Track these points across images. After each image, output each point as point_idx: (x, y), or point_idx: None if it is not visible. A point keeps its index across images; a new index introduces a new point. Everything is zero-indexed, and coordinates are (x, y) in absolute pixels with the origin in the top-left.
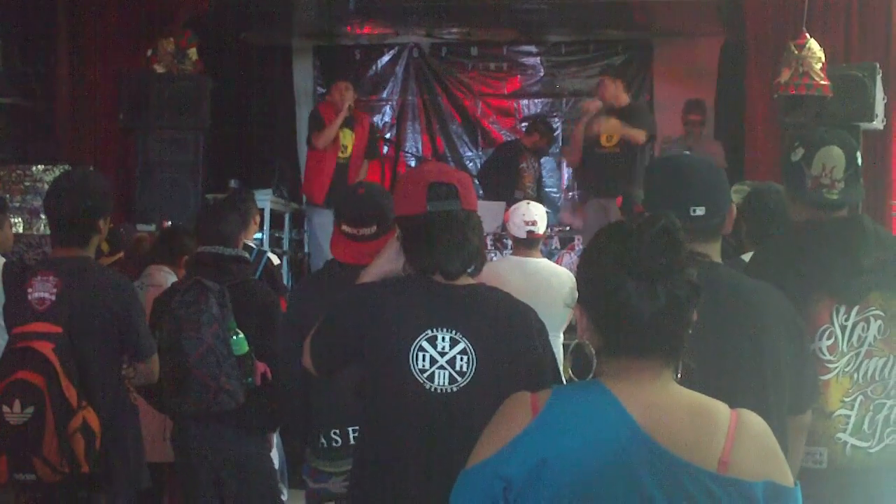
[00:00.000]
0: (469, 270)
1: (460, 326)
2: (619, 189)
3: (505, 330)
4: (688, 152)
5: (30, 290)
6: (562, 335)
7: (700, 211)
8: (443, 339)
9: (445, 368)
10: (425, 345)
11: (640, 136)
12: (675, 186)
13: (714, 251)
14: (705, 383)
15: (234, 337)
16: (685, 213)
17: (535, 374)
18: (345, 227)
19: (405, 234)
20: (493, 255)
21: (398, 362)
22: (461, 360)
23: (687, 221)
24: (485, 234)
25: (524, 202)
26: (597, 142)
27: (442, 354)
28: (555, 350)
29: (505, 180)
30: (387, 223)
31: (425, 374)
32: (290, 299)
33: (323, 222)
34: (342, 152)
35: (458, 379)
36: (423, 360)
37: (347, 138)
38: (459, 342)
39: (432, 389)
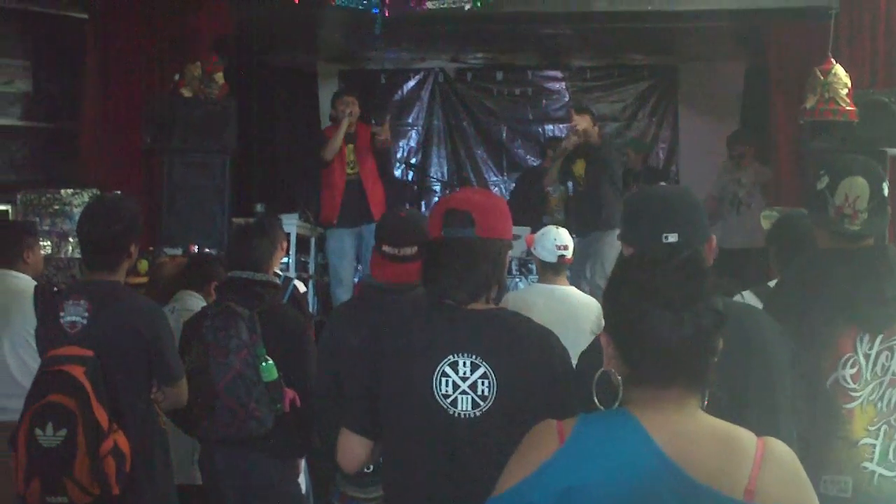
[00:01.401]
0: (491, 296)
1: (480, 351)
2: (595, 223)
3: (524, 354)
4: (663, 183)
5: (61, 313)
6: None
7: (673, 238)
8: (464, 364)
9: (468, 393)
10: (447, 370)
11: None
12: (648, 214)
13: None
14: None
15: (264, 363)
16: (657, 241)
17: (556, 399)
18: (385, 248)
19: (423, 259)
20: (517, 280)
21: (421, 389)
22: (482, 384)
23: (660, 249)
24: (507, 260)
25: (553, 227)
26: (574, 179)
27: (464, 380)
28: None
29: (532, 205)
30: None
31: (448, 400)
32: (327, 326)
33: (339, 245)
34: (350, 168)
35: (481, 404)
36: (447, 385)
37: (351, 154)
38: (480, 366)
39: (456, 415)
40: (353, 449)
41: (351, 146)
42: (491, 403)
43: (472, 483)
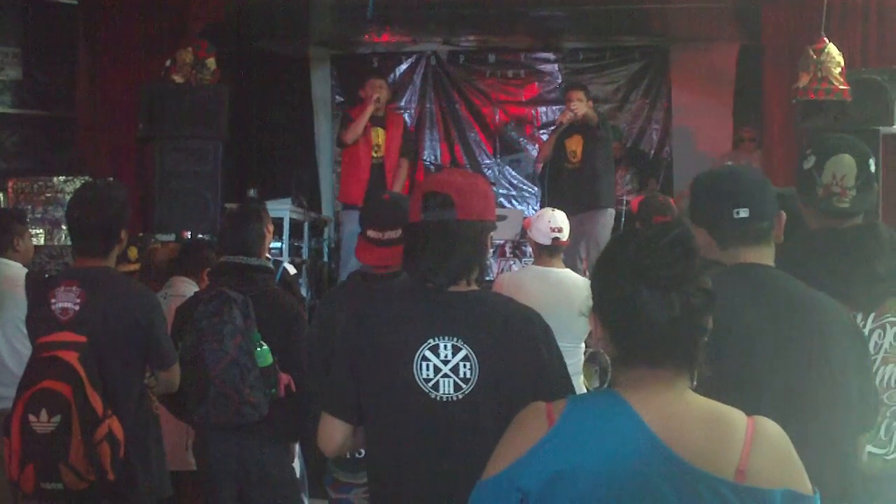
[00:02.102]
0: (473, 278)
1: (461, 333)
2: (586, 205)
3: (505, 335)
4: (730, 163)
5: (53, 300)
6: (583, 345)
7: (744, 213)
8: (445, 346)
9: (450, 376)
10: (428, 354)
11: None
12: (718, 191)
13: (765, 257)
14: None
15: (259, 349)
16: (728, 217)
17: (541, 380)
18: (370, 233)
19: (404, 243)
20: (511, 262)
21: (402, 373)
22: (464, 367)
23: (731, 226)
24: (489, 242)
25: (548, 209)
26: (565, 157)
27: (445, 363)
28: (576, 360)
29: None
30: None
31: (430, 384)
32: (315, 313)
33: (352, 228)
34: (375, 151)
35: (463, 386)
36: (427, 369)
37: (380, 137)
38: (461, 349)
39: (438, 398)
40: (332, 432)
41: (379, 129)
42: (473, 386)
43: (457, 466)
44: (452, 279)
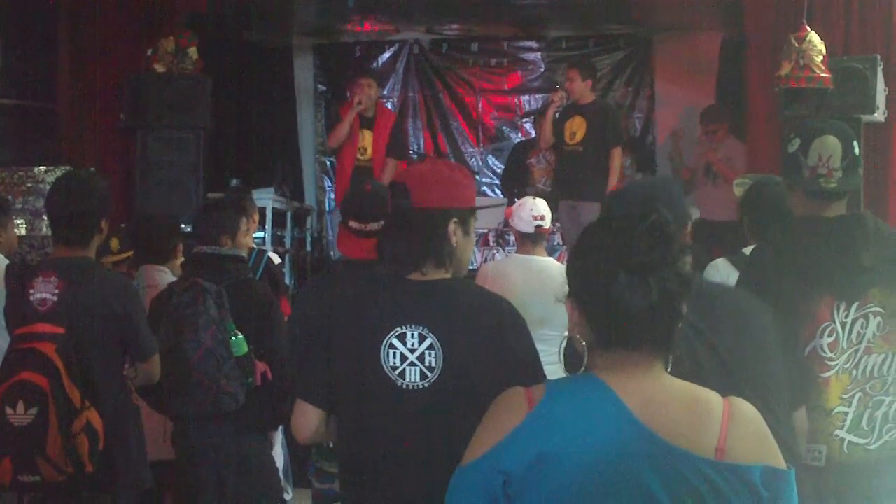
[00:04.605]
0: (447, 266)
1: (427, 322)
2: (585, 189)
3: (471, 323)
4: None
5: (31, 290)
6: (565, 333)
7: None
8: (412, 335)
9: (416, 365)
10: (395, 342)
11: (618, 159)
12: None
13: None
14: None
15: (234, 338)
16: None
17: (505, 369)
18: (352, 224)
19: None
20: (495, 251)
21: (370, 361)
22: (429, 355)
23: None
24: (457, 229)
25: (530, 197)
26: (561, 139)
27: (412, 351)
28: (557, 348)
29: (516, 179)
30: None
31: (397, 371)
32: (295, 302)
33: None
34: (361, 154)
35: (429, 374)
36: (394, 357)
37: (367, 139)
38: (427, 338)
39: (404, 386)
40: (306, 418)
41: (366, 132)
42: (438, 374)
43: (425, 454)
44: (412, 267)
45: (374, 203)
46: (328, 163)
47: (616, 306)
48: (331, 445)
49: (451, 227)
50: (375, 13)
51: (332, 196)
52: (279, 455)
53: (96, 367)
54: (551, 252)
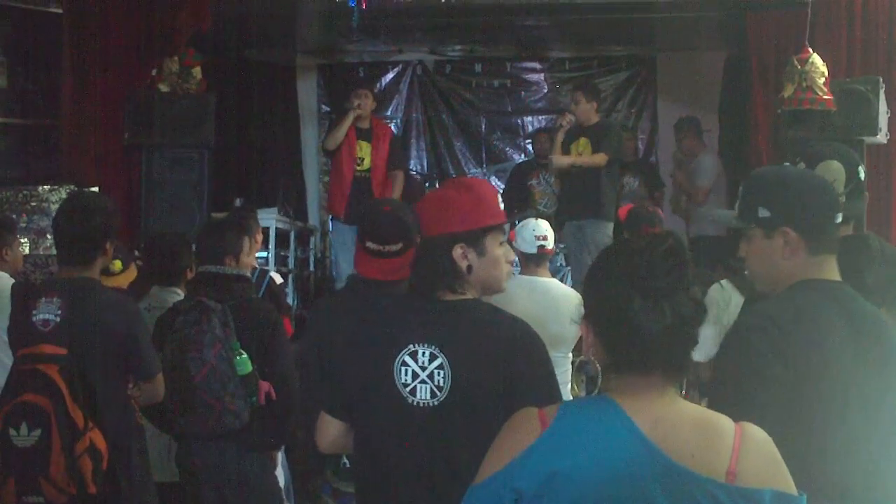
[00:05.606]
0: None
1: (438, 341)
2: (588, 209)
3: (479, 343)
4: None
5: (34, 311)
6: (570, 354)
7: (839, 219)
8: (423, 353)
9: (427, 383)
10: (407, 359)
11: (599, 160)
12: (822, 194)
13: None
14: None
15: (238, 357)
16: (831, 223)
17: (515, 390)
18: (369, 244)
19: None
20: None
21: (383, 377)
22: (438, 374)
23: (833, 231)
24: (467, 253)
25: (531, 218)
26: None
27: (423, 369)
28: (565, 370)
29: (517, 200)
30: (411, 240)
31: (408, 389)
32: (311, 317)
33: (341, 239)
34: (359, 164)
35: (438, 393)
36: (406, 374)
37: (364, 150)
38: (437, 357)
39: (415, 403)
40: (328, 429)
41: (363, 143)
42: (446, 394)
43: (435, 472)
44: (427, 292)
45: (391, 224)
46: None
47: (630, 330)
48: (345, 465)
49: (458, 251)
50: (379, 34)
51: (326, 197)
52: (280, 475)
53: (100, 388)
54: (555, 273)
